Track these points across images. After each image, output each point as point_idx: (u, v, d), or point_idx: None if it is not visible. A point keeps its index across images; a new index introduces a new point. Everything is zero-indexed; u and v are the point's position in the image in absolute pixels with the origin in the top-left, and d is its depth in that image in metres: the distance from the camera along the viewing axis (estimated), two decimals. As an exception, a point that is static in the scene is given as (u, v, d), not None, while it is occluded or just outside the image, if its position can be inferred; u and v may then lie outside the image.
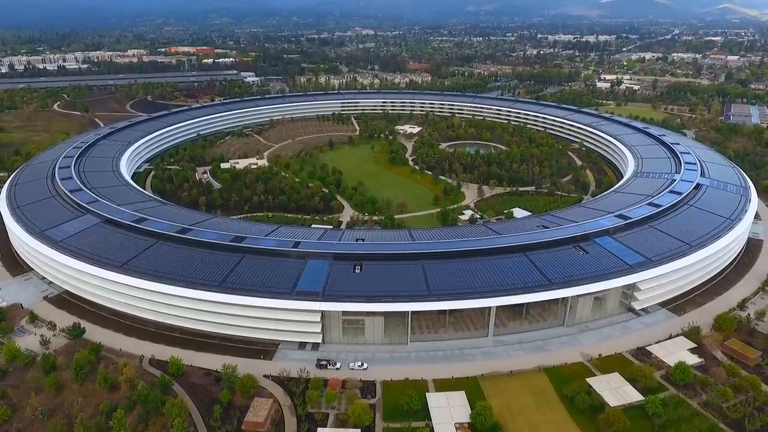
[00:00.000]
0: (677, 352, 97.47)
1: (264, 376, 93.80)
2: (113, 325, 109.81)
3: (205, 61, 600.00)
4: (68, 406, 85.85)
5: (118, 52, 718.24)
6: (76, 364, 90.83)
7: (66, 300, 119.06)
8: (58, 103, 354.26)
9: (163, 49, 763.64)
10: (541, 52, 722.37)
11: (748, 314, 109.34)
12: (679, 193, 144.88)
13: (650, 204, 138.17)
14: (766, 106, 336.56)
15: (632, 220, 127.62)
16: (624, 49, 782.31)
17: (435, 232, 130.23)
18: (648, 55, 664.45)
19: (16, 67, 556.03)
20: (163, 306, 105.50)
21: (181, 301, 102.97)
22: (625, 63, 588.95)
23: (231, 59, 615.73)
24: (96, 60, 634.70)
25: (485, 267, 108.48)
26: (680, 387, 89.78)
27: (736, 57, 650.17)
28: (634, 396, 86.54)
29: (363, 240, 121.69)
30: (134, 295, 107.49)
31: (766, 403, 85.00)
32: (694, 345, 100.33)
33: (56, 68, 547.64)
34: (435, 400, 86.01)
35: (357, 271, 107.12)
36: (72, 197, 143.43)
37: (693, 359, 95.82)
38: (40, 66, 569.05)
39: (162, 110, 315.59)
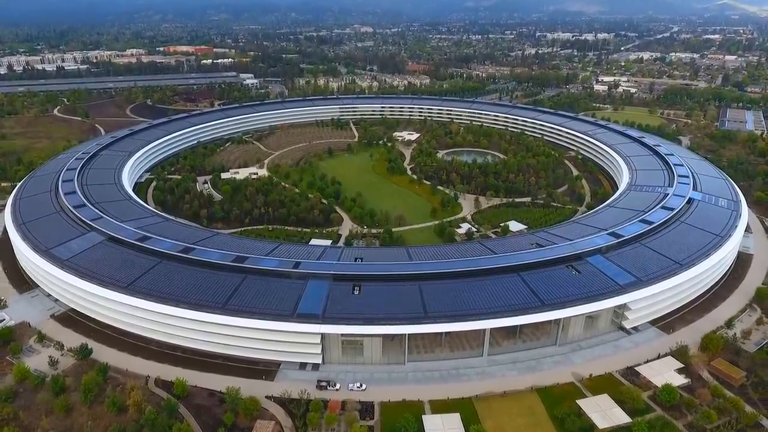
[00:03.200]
0: (665, 373, 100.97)
1: (266, 397, 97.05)
2: (119, 344, 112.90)
3: (204, 61, 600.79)
4: (78, 429, 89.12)
5: (117, 52, 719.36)
6: (85, 387, 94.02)
7: (72, 318, 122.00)
8: (58, 107, 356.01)
9: (161, 49, 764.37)
10: (540, 52, 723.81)
11: (735, 333, 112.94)
12: (671, 209, 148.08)
13: (642, 221, 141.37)
14: (761, 111, 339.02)
15: (624, 238, 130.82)
16: (622, 48, 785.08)
17: (432, 250, 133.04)
18: (646, 55, 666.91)
19: (14, 68, 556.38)
20: (168, 326, 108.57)
21: (185, 322, 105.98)
22: (623, 64, 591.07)
23: (230, 59, 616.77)
24: (95, 60, 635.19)
25: (480, 288, 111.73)
26: (667, 408, 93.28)
27: (734, 57, 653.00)
28: (622, 418, 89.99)
29: (362, 259, 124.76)
30: (139, 316, 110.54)
31: (748, 425, 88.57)
32: (681, 365, 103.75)
33: (55, 69, 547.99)
34: (431, 423, 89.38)
35: (356, 292, 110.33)
36: (76, 213, 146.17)
37: (680, 380, 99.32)
38: (39, 67, 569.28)
39: (162, 115, 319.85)
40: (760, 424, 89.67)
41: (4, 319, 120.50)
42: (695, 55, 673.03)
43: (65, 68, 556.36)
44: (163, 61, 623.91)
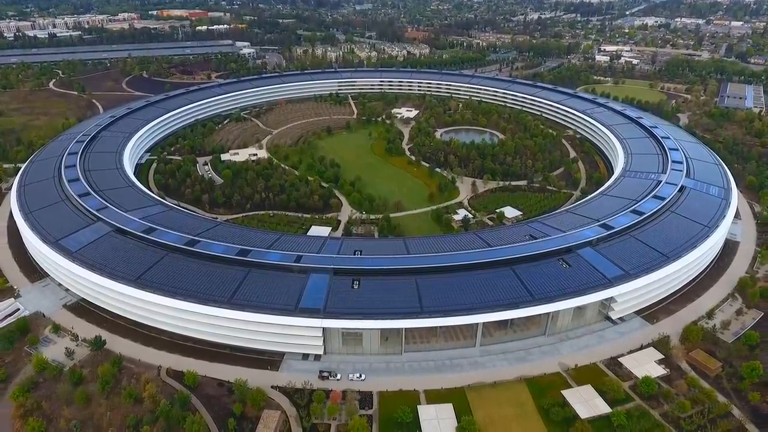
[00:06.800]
0: (646, 364, 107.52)
1: (272, 387, 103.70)
2: (131, 335, 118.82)
3: (199, 28, 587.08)
4: (98, 419, 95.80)
5: (109, 16, 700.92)
6: (102, 379, 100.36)
7: (84, 308, 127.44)
8: (54, 81, 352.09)
9: (154, 13, 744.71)
10: (542, 17, 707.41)
11: (714, 324, 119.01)
12: (663, 198, 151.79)
13: (633, 211, 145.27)
14: (762, 85, 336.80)
15: (614, 230, 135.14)
16: (627, 13, 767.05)
17: (428, 242, 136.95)
18: (651, 21, 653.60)
19: (5, 34, 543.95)
20: (177, 319, 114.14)
21: (193, 315, 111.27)
22: (626, 31, 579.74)
23: (225, 26, 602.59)
24: (87, 26, 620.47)
25: (474, 282, 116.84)
26: (645, 398, 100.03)
27: (740, 23, 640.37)
28: (603, 408, 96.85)
29: (361, 252, 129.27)
30: (149, 309, 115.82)
31: (719, 415, 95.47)
32: (662, 356, 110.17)
33: (47, 36, 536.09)
34: (425, 413, 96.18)
35: (355, 286, 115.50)
36: (81, 203, 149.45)
37: (659, 371, 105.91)
38: (30, 33, 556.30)
39: (158, 88, 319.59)
40: (731, 414, 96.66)
41: (19, 309, 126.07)
42: (701, 21, 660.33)
43: (57, 35, 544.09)
44: (156, 26, 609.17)
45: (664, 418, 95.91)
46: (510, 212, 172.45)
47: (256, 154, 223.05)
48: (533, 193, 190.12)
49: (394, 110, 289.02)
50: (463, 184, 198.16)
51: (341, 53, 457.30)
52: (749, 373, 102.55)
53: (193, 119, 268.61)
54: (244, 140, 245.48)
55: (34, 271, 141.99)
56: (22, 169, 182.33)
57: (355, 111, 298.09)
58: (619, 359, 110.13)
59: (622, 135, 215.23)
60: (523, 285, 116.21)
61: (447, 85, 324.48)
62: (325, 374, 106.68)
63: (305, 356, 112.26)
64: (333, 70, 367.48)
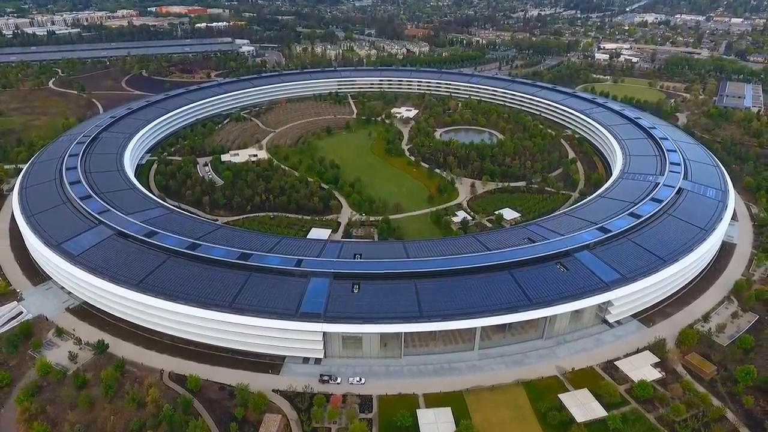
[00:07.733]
0: (642, 368, 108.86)
1: (273, 390, 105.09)
2: (133, 338, 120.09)
3: (198, 25, 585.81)
4: (101, 423, 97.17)
5: (108, 12, 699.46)
6: (106, 384, 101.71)
7: (87, 311, 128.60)
8: (53, 79, 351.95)
9: (153, 9, 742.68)
10: (542, 14, 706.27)
11: (710, 327, 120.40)
12: (660, 201, 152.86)
13: (631, 214, 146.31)
14: (760, 84, 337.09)
15: (611, 233, 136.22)
16: (627, 10, 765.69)
17: (427, 245, 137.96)
18: (651, 18, 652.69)
19: (4, 32, 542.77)
20: (179, 323, 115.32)
21: (195, 319, 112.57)
22: (626, 28, 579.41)
23: (224, 23, 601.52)
24: (86, 23, 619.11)
25: (473, 286, 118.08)
26: (641, 402, 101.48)
27: (740, 19, 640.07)
28: (599, 412, 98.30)
29: (360, 255, 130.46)
30: (151, 312, 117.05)
31: (714, 419, 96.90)
32: (657, 359, 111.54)
33: (46, 33, 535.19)
34: (424, 417, 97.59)
35: (355, 290, 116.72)
36: (83, 206, 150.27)
37: (655, 374, 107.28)
38: (29, 31, 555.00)
39: (158, 87, 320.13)
40: (725, 418, 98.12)
41: (22, 312, 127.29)
42: (701, 18, 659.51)
43: (56, 33, 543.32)
44: (155, 24, 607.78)
45: (660, 421, 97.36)
46: (509, 214, 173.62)
47: (256, 155, 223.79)
48: (532, 195, 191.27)
49: (394, 110, 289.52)
50: (462, 185, 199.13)
51: (341, 51, 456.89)
52: (743, 376, 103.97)
53: (193, 119, 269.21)
54: (244, 140, 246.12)
55: (36, 274, 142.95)
56: (23, 171, 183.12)
57: (355, 110, 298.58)
58: (615, 362, 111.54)
59: (620, 136, 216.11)
60: (521, 289, 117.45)
61: (446, 84, 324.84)
62: (326, 378, 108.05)
63: (306, 360, 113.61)
64: (332, 69, 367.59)
